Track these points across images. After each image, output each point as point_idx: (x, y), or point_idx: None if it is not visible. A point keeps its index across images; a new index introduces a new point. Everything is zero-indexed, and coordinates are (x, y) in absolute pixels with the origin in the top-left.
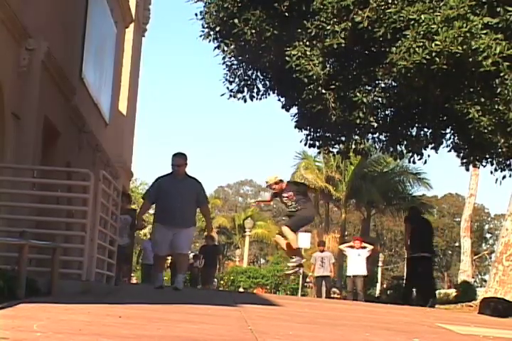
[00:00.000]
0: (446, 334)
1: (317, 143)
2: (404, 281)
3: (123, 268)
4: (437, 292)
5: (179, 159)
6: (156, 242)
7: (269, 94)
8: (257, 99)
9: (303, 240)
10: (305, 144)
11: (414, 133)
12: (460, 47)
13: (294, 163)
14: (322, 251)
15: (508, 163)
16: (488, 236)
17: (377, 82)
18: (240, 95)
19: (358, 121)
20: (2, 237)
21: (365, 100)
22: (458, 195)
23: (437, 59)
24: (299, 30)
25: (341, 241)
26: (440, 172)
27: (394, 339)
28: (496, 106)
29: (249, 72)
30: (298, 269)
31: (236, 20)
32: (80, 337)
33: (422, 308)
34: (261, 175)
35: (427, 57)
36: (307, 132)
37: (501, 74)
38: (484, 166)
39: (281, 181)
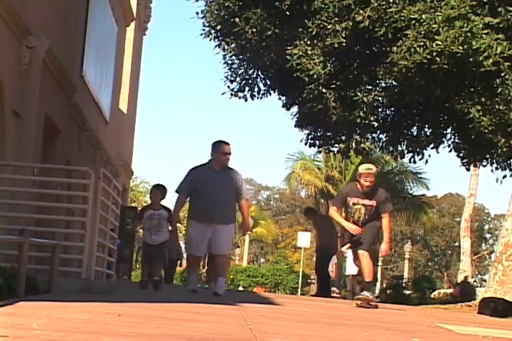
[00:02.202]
0: (445, 334)
1: (317, 143)
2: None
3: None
4: (437, 291)
5: (229, 147)
6: (191, 241)
7: (269, 93)
8: (257, 98)
9: (302, 239)
10: (305, 143)
11: (414, 133)
12: (461, 47)
13: (287, 165)
14: None
15: (508, 163)
16: (487, 236)
17: (377, 81)
18: (240, 94)
19: (358, 121)
20: (2, 235)
21: (365, 99)
22: (458, 194)
23: (438, 59)
24: (300, 29)
25: (341, 241)
26: (440, 171)
27: (393, 338)
28: (497, 106)
29: (250, 71)
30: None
31: (237, 19)
32: (79, 335)
33: (421, 308)
34: (261, 175)
35: (428, 56)
36: (307, 131)
37: (502, 74)
38: (485, 166)
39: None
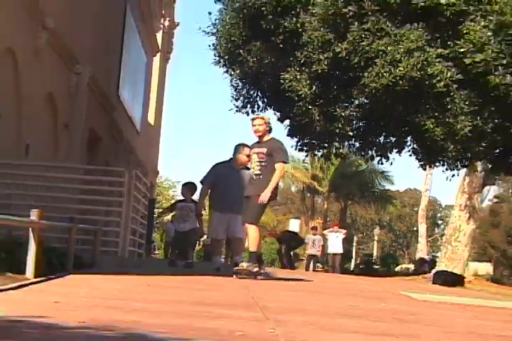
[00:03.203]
0: (407, 300)
1: (305, 148)
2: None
3: (187, 251)
4: (399, 266)
5: (247, 149)
6: (214, 228)
7: (267, 109)
8: (257, 113)
9: (293, 225)
10: (295, 149)
11: (381, 141)
12: (419, 73)
13: None
14: (314, 234)
15: (456, 164)
16: (439, 222)
17: (352, 99)
18: (244, 110)
19: (337, 131)
20: (55, 221)
21: (343, 114)
22: (416, 189)
23: (401, 82)
24: (291, 59)
25: (324, 227)
26: (402, 171)
27: (366, 303)
28: (447, 120)
29: (251, 92)
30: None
31: (241, 51)
32: (115, 301)
33: (388, 279)
34: None
35: (393, 80)
36: (297, 139)
37: (451, 94)
38: (437, 167)
39: (270, 129)
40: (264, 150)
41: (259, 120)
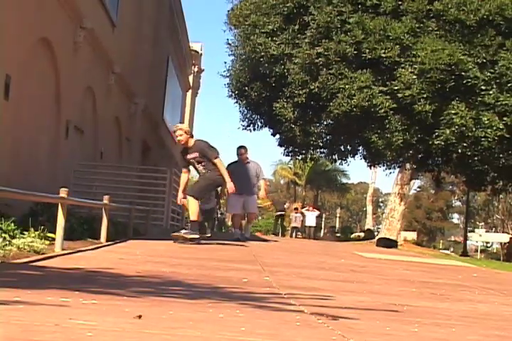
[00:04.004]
0: (359, 257)
1: (290, 154)
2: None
3: (209, 224)
4: (354, 234)
5: (243, 150)
6: (232, 205)
7: (264, 128)
8: (257, 130)
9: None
10: (283, 154)
11: (342, 149)
12: (367, 103)
13: (273, 166)
14: (296, 213)
15: (392, 165)
16: (381, 204)
17: (322, 121)
18: (248, 128)
19: (311, 142)
20: (120, 204)
21: (315, 131)
22: (365, 182)
23: (355, 109)
24: (280, 93)
25: (302, 208)
26: (356, 169)
27: (331, 260)
28: (386, 135)
29: (253, 116)
30: (185, 241)
31: (246, 88)
32: (161, 258)
33: (346, 243)
34: None
35: (349, 108)
36: (284, 148)
37: (389, 118)
38: (380, 167)
39: (191, 135)
40: (196, 154)
41: (179, 131)
